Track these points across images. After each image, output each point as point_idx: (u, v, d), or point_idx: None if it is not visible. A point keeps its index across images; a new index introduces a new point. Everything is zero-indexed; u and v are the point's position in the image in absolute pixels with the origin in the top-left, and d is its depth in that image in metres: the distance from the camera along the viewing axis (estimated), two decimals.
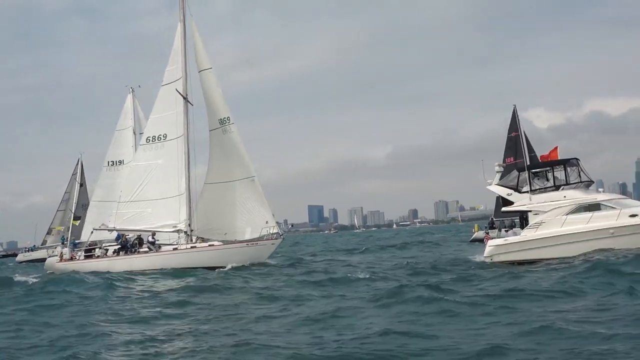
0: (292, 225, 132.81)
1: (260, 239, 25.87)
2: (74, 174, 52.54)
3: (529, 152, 30.66)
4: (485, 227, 33.26)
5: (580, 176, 20.45)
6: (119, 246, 25.54)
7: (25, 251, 57.39)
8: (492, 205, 23.68)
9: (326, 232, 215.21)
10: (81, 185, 51.74)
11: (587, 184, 20.66)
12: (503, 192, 20.83)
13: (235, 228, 26.02)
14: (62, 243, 52.79)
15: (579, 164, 20.89)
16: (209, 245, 25.73)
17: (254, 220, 25.97)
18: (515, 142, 31.55)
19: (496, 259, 19.45)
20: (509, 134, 33.66)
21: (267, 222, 26.06)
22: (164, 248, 25.79)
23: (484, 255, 19.94)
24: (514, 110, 33.62)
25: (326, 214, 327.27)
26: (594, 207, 19.33)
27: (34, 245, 59.27)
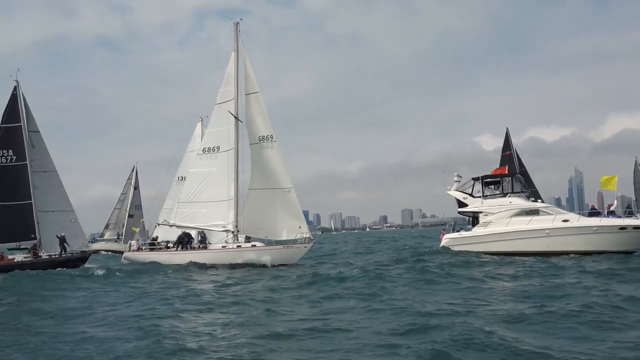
0: (322, 232, 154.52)
1: (294, 241, 29.50)
2: (129, 178, 59.42)
3: (520, 168, 34.33)
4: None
5: (522, 188, 24.48)
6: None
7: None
8: (449, 214, 28.80)
9: (314, 232, 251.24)
10: (135, 188, 58.39)
11: (528, 195, 24.58)
12: (460, 196, 24.99)
13: (274, 229, 29.08)
14: (118, 238, 58.94)
15: (522, 179, 25.07)
16: (252, 246, 29.54)
17: (289, 225, 29.23)
18: (508, 159, 35.37)
19: (450, 248, 23.73)
20: (502, 152, 38.31)
21: (299, 228, 29.58)
22: (214, 245, 29.74)
23: (441, 245, 24.20)
24: (506, 132, 37.66)
25: (311, 218, 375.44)
26: (534, 212, 23.21)
27: (93, 238, 65.59)
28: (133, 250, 29.89)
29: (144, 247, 30.13)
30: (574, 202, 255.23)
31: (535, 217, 22.91)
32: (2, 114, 30.70)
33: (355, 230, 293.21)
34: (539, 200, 25.93)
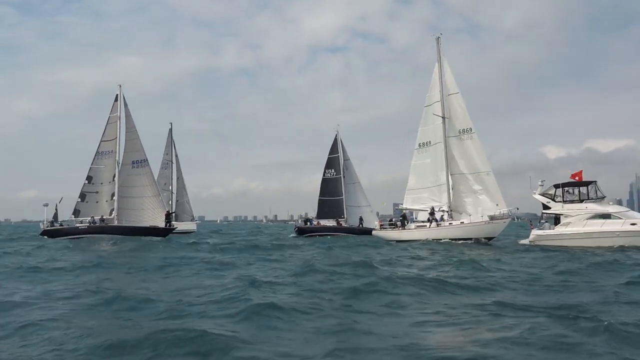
0: (515, 217, 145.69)
1: (494, 217, 31.74)
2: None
3: None
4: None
5: (597, 193, 27.64)
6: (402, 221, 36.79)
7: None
8: (522, 209, 38.16)
9: None
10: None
11: (602, 199, 27.46)
12: (544, 200, 28.69)
13: (475, 207, 32.83)
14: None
15: (596, 185, 27.88)
16: (461, 223, 33.47)
17: (488, 203, 32.18)
18: None
19: (536, 242, 27.45)
20: None
21: (497, 205, 31.69)
22: (432, 224, 35.19)
23: (529, 239, 28.24)
24: None
25: None
26: (606, 216, 26.63)
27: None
28: (378, 229, 38.63)
29: (386, 227, 38.39)
30: (635, 203, 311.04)
31: (608, 220, 26.37)
32: (329, 149, 51.54)
33: None
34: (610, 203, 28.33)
